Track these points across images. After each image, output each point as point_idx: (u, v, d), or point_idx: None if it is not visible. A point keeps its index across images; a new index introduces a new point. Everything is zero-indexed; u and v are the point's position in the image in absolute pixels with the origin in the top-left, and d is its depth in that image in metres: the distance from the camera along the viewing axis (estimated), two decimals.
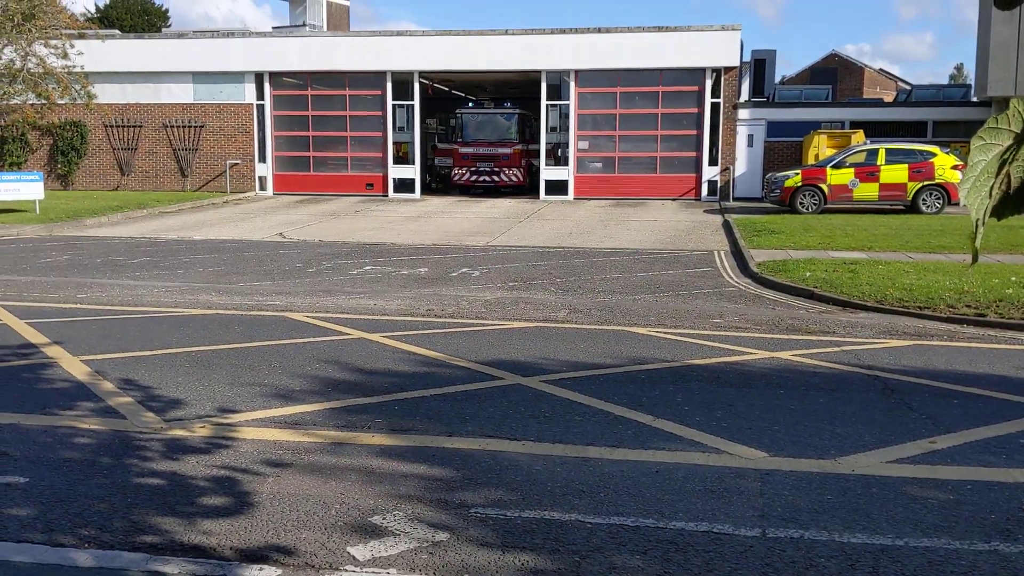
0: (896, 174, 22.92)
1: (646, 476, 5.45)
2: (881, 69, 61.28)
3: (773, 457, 5.81)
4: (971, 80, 37.78)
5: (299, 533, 4.64)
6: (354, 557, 4.37)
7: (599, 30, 29.02)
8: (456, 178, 30.79)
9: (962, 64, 75.10)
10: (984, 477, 5.47)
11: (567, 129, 29.61)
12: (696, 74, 28.68)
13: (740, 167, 29.18)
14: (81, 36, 28.56)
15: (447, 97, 36.37)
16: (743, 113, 29.19)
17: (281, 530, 4.67)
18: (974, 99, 29.61)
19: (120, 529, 4.67)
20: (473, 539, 4.56)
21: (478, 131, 30.40)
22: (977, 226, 1.63)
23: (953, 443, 6.12)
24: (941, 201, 23.02)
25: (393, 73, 30.08)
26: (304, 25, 38.63)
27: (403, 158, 30.70)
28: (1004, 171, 1.61)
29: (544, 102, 29.62)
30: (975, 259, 1.70)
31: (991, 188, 1.62)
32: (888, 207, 23.95)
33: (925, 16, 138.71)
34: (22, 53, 24.74)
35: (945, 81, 68.79)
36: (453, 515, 4.85)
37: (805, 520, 4.81)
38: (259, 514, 4.87)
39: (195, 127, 31.28)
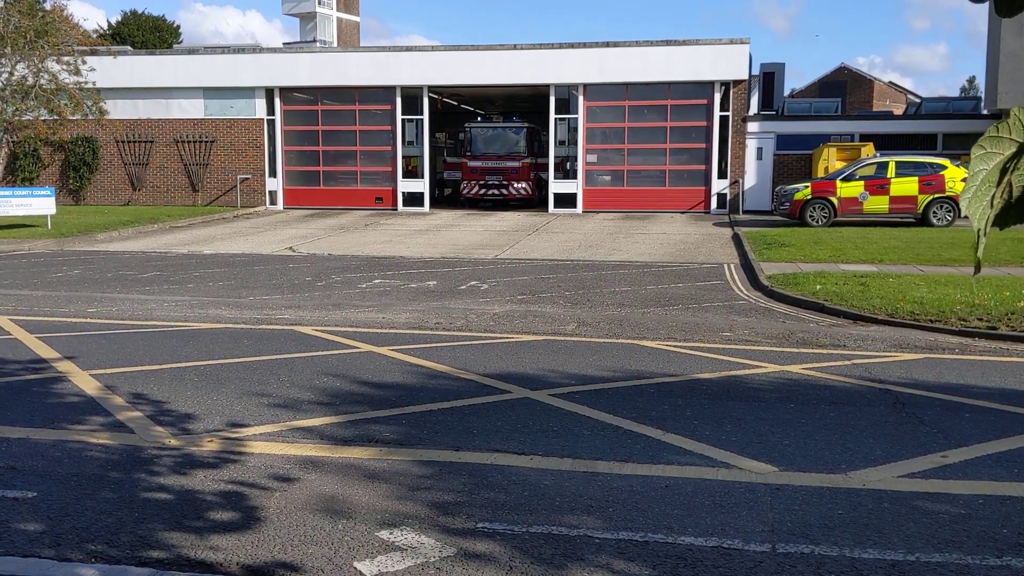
0: (906, 187, 22.86)
1: (655, 491, 5.42)
2: (891, 82, 61.26)
3: (783, 471, 5.77)
4: (982, 92, 37.69)
5: (306, 548, 4.62)
6: (361, 572, 4.35)
7: (607, 44, 29.10)
8: (465, 191, 30.89)
9: (974, 77, 75.02)
10: (996, 491, 5.42)
11: (576, 142, 29.67)
12: (705, 87, 28.72)
13: (749, 180, 29.15)
14: (93, 52, 28.82)
15: (456, 111, 36.52)
16: (752, 126, 29.18)
17: (288, 545, 4.66)
18: (984, 111, 29.53)
19: (127, 544, 4.67)
20: (480, 554, 4.54)
21: (487, 145, 30.50)
22: (979, 236, 1.61)
23: (965, 457, 6.07)
24: (952, 214, 22.95)
25: (403, 88, 30.22)
26: (315, 41, 38.92)
27: (412, 172, 30.81)
28: (1006, 180, 1.59)
29: (553, 116, 29.70)
30: (977, 269, 1.68)
31: (992, 197, 1.60)
32: (898, 220, 23.87)
33: (938, 28, 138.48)
34: (34, 69, 24.94)
35: (957, 94, 68.71)
36: (460, 530, 4.84)
37: (816, 535, 4.77)
38: (266, 529, 4.86)
39: (206, 142, 31.47)
